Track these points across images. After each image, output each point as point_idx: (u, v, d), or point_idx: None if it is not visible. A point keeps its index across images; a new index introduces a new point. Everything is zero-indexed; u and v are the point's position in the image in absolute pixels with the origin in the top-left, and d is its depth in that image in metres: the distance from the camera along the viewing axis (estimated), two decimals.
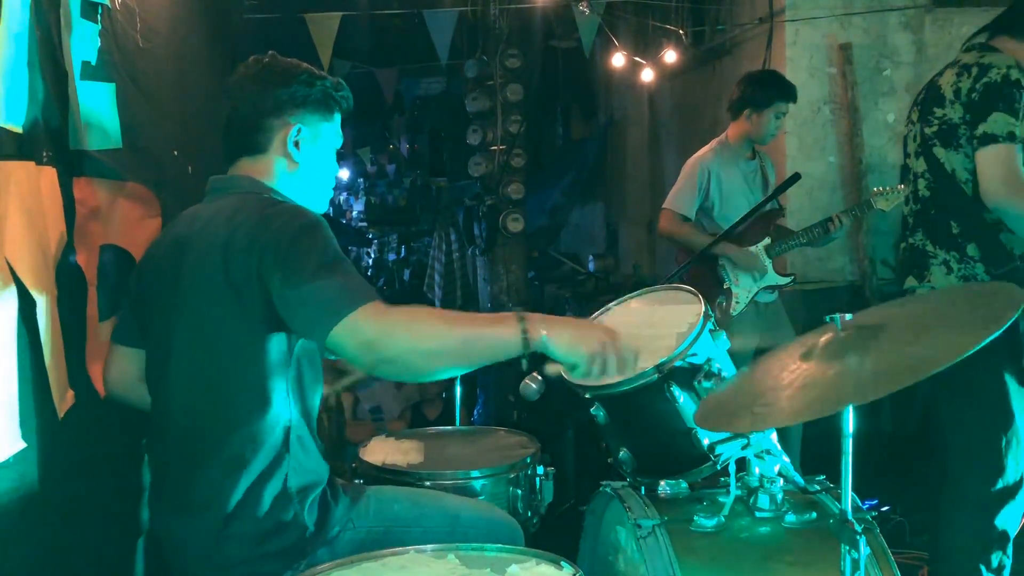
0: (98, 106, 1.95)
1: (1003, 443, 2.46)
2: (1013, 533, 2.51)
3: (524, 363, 1.73)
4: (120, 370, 1.88)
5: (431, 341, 1.56)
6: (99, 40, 1.97)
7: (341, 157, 1.99)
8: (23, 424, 1.64)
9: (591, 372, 1.65)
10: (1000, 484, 2.47)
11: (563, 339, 1.61)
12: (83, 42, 1.88)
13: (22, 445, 1.63)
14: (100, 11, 1.99)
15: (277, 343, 1.65)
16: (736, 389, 1.70)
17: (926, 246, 2.59)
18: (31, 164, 1.71)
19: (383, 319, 1.55)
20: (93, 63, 1.93)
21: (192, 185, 2.44)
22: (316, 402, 1.78)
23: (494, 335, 1.60)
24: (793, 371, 1.52)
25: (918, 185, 2.63)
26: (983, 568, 2.47)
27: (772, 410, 1.49)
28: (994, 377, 2.45)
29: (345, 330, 1.53)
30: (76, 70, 1.85)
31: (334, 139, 1.88)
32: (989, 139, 2.40)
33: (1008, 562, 2.50)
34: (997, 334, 1.29)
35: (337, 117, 1.87)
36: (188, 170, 2.46)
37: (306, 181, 1.84)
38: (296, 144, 1.80)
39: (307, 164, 1.83)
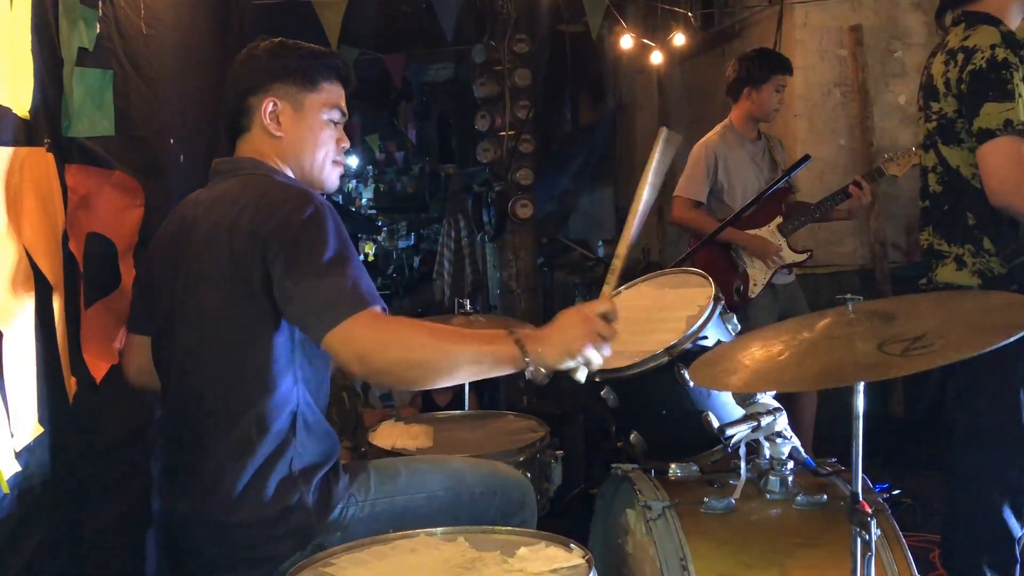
0: (94, 93, 1.93)
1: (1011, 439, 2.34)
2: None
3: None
4: (139, 359, 1.88)
5: (423, 356, 1.55)
6: (99, 26, 1.95)
7: (351, 145, 1.94)
8: (40, 409, 1.65)
9: (590, 365, 1.62)
10: (1007, 478, 2.35)
11: (551, 355, 1.58)
12: (81, 28, 1.86)
13: (40, 430, 1.65)
14: None
15: (284, 328, 1.64)
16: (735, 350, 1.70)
17: (937, 244, 2.44)
18: (42, 150, 1.72)
19: (377, 331, 1.55)
20: (91, 49, 1.91)
21: (183, 174, 2.42)
22: (326, 385, 1.78)
23: (489, 353, 1.58)
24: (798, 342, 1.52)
25: (928, 180, 2.48)
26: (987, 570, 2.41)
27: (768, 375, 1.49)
28: (1005, 379, 2.30)
29: (339, 336, 1.54)
30: (73, 56, 1.84)
31: (324, 110, 1.80)
32: (986, 135, 2.24)
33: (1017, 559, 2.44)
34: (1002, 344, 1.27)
35: (325, 87, 1.80)
36: (180, 159, 2.43)
37: (296, 155, 1.79)
38: (274, 117, 1.77)
39: (291, 137, 1.78)
